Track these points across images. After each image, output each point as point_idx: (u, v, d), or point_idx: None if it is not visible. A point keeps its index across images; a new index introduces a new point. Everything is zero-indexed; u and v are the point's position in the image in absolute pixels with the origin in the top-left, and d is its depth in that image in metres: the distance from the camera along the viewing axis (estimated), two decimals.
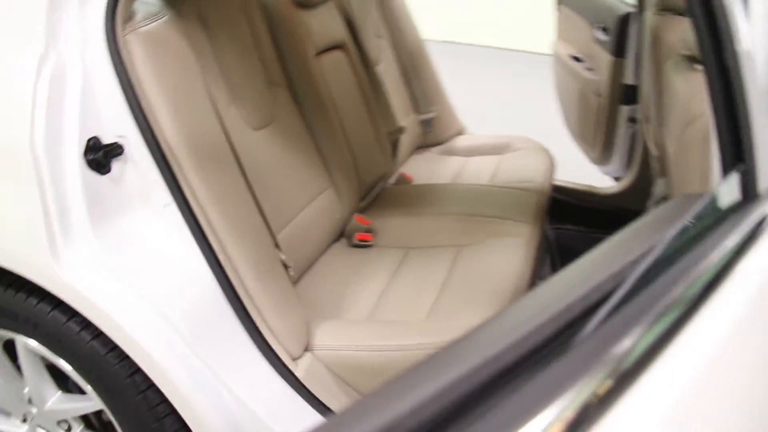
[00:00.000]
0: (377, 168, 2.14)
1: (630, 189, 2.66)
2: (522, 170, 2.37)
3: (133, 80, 1.21)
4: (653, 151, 2.16)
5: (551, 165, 2.48)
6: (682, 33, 1.67)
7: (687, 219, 0.81)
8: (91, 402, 1.40)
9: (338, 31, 2.20)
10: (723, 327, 0.74)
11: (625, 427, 0.59)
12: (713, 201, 0.87)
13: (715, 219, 0.87)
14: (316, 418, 1.32)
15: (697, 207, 0.83)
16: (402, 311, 1.54)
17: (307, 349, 1.41)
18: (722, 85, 0.85)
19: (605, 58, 2.67)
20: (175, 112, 1.26)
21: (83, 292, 1.19)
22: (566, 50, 3.07)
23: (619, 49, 2.61)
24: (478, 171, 2.40)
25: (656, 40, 1.91)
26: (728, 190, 0.86)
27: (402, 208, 1.99)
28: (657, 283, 0.74)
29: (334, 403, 1.35)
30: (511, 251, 1.78)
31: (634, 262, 0.72)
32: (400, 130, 2.52)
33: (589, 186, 2.80)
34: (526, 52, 6.23)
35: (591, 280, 0.72)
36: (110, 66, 1.20)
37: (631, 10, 2.60)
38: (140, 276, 1.22)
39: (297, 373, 1.34)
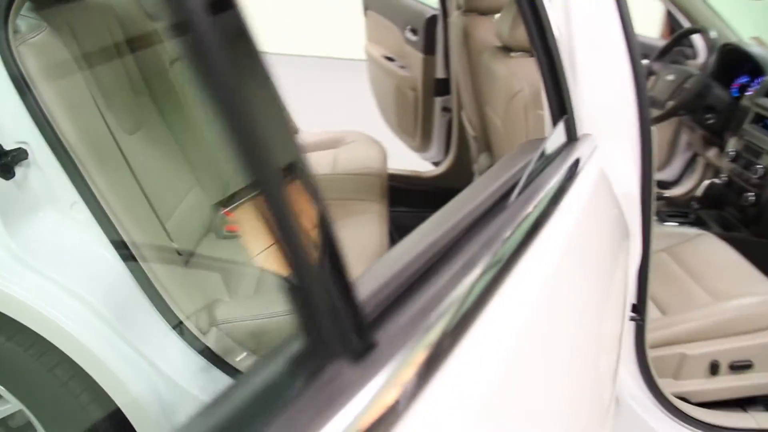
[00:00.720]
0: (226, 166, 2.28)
1: (451, 170, 3.04)
2: (359, 159, 2.62)
3: (32, 89, 1.28)
4: (471, 132, 2.52)
5: (384, 154, 2.76)
6: (491, 29, 2.03)
7: (527, 161, 1.07)
8: (8, 405, 1.42)
9: None
10: (548, 261, 0.86)
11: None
12: (544, 146, 1.15)
13: (546, 161, 1.15)
14: (228, 380, 1.48)
15: (534, 152, 1.10)
16: None
17: (211, 324, 1.55)
18: (547, 60, 1.15)
19: (417, 56, 3.02)
20: (72, 117, 1.33)
21: (5, 290, 1.24)
22: (378, 51, 3.39)
23: (428, 48, 2.97)
24: (318, 164, 2.62)
25: (466, 37, 2.25)
26: (557, 137, 1.16)
27: None
28: (496, 223, 0.85)
29: (243, 366, 1.52)
30: (370, 226, 2.02)
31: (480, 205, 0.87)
32: None
33: (415, 171, 3.14)
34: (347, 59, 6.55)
35: (439, 230, 0.79)
36: (7, 77, 1.26)
37: (435, 12, 2.97)
38: (58, 269, 1.29)
39: (209, 345, 1.48)
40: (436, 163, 3.31)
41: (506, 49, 1.63)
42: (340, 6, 5.79)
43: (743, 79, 2.26)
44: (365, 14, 3.52)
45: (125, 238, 1.37)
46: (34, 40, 1.34)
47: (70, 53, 1.46)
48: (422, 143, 3.20)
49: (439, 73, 3.02)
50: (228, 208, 2.10)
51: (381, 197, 2.30)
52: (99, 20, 1.71)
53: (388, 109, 3.46)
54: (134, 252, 1.39)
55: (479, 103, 2.25)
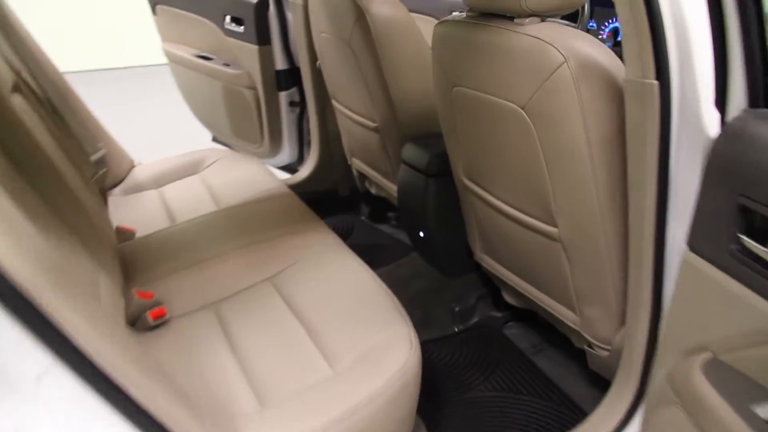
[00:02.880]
0: (102, 224, 1.71)
1: (319, 170, 2.67)
2: (242, 178, 2.16)
3: None
4: (351, 122, 2.18)
5: (262, 165, 2.31)
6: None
7: None
8: None
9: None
10: None
11: None
12: None
13: None
14: None
15: None
16: (285, 370, 1.29)
17: None
18: None
19: (249, 49, 2.58)
20: None
21: None
22: (186, 52, 2.87)
23: (263, 37, 2.55)
24: (192, 196, 2.10)
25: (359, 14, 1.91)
26: None
27: (170, 264, 1.63)
28: None
29: None
30: (335, 255, 1.63)
31: None
32: (102, 171, 2.10)
33: (284, 180, 2.71)
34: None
35: None
36: None
37: None
38: None
39: None
40: (287, 168, 2.91)
41: (497, 17, 1.34)
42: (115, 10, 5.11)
43: None
44: (154, 12, 2.95)
45: None
46: None
47: None
48: (271, 147, 2.78)
49: (279, 65, 2.61)
50: (137, 287, 1.56)
51: (312, 213, 1.89)
52: None
53: (217, 115, 2.96)
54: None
55: (383, 88, 1.92)
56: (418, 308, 2.00)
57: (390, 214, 2.71)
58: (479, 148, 1.52)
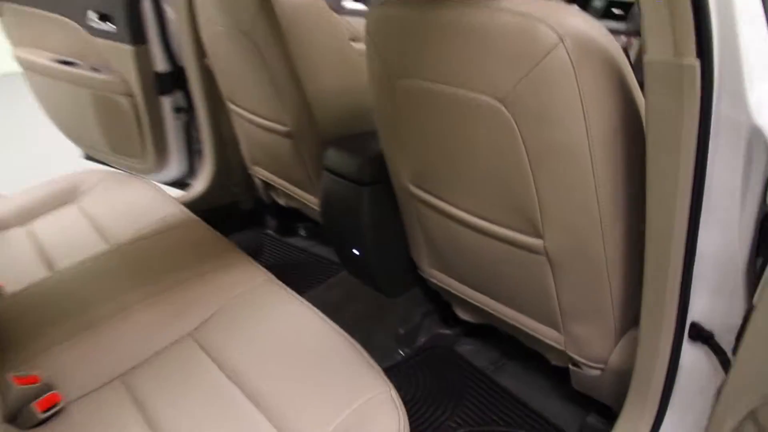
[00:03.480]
0: None
1: (215, 182, 2.34)
2: (131, 204, 1.79)
3: None
4: (257, 128, 1.88)
5: (151, 184, 1.95)
6: None
7: None
8: None
9: None
10: None
11: None
12: None
13: None
14: None
15: None
16: None
17: None
18: None
19: (121, 50, 2.21)
20: None
21: None
22: (43, 57, 2.44)
23: (137, 36, 2.18)
24: (71, 233, 1.71)
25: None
26: None
27: (56, 330, 1.26)
28: None
29: None
30: (268, 294, 1.32)
31: None
32: None
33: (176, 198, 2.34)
34: None
35: None
36: None
37: None
38: None
39: None
40: (176, 183, 2.55)
41: None
42: None
43: None
44: None
45: None
46: None
47: None
48: (157, 161, 2.42)
49: (159, 66, 2.25)
50: (11, 371, 1.21)
51: (221, 238, 1.58)
52: None
53: (86, 129, 2.55)
54: None
55: (295, 86, 1.64)
56: (357, 336, 1.74)
57: (300, 225, 2.42)
58: (434, 151, 1.28)
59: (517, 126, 1.06)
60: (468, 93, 1.10)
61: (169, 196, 1.83)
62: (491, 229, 1.26)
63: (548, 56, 0.96)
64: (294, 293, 1.33)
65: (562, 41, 0.94)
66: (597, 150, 1.01)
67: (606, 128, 1.00)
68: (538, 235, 1.17)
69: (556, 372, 1.60)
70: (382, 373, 1.11)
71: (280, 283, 1.37)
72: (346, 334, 1.20)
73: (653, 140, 0.93)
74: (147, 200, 1.80)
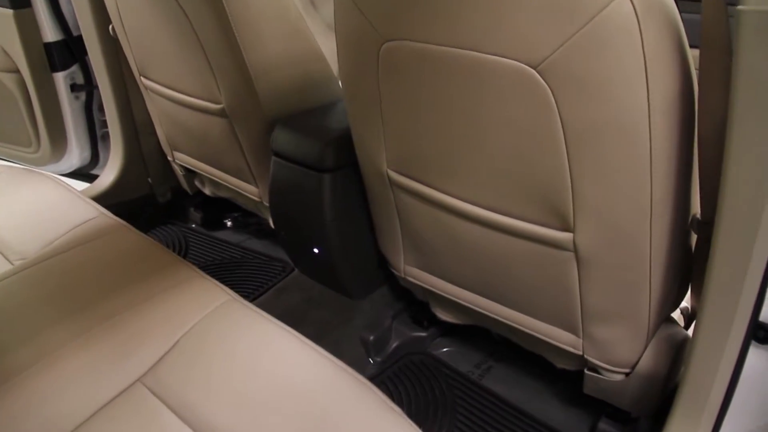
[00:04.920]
0: None
1: (126, 172, 2.00)
2: (33, 206, 1.44)
3: None
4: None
5: (54, 179, 1.60)
6: None
7: None
8: None
9: None
10: None
11: None
12: None
13: None
14: None
15: None
16: None
17: None
18: None
19: None
20: None
21: None
22: None
23: None
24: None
25: None
26: None
27: None
28: None
29: None
30: (233, 318, 1.05)
31: None
32: None
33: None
34: None
35: None
36: None
37: None
38: None
39: None
40: (78, 174, 2.19)
41: None
42: None
43: None
44: None
45: None
46: None
47: None
48: (53, 150, 2.05)
49: (49, 36, 1.88)
50: None
51: (156, 249, 1.28)
52: None
53: None
54: None
55: (233, 57, 1.35)
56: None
57: (227, 216, 2.13)
58: (428, 130, 1.05)
59: (555, 99, 0.84)
60: (485, 57, 0.87)
61: (79, 193, 1.50)
62: (503, 222, 1.05)
63: (607, 9, 0.75)
64: (263, 313, 1.07)
65: None
66: (657, 122, 0.82)
67: (668, 95, 0.81)
68: (567, 229, 0.97)
69: (548, 373, 1.43)
70: (404, 417, 0.88)
71: (246, 302, 1.10)
72: (345, 366, 0.96)
73: (742, 106, 0.74)
74: (53, 200, 1.46)
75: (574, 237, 0.97)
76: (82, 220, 1.36)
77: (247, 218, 2.07)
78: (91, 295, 1.12)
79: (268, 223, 1.65)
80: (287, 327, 1.03)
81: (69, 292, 1.14)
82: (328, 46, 2.48)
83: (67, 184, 1.53)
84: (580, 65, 0.80)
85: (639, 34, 0.76)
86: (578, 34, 0.78)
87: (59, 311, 1.09)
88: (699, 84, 0.84)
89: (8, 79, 1.91)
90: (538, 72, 0.84)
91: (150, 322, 1.05)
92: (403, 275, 1.39)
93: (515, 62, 0.85)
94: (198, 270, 1.19)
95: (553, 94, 0.84)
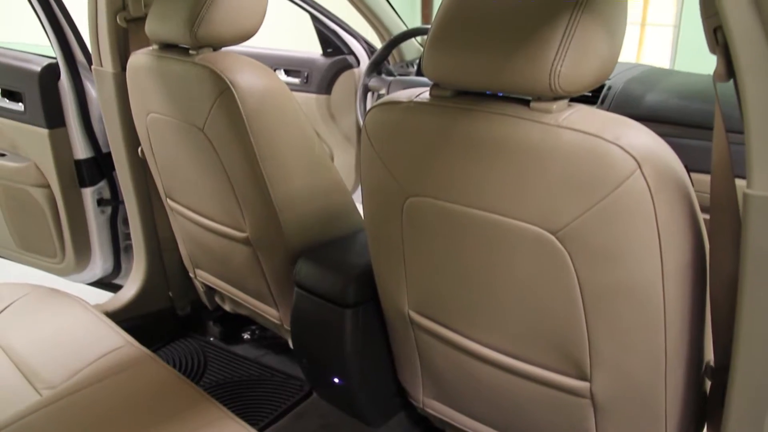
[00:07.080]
0: None
1: (148, 285, 2.01)
2: (68, 332, 1.43)
3: None
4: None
5: (87, 307, 1.61)
6: None
7: None
8: None
9: None
10: None
11: None
12: None
13: None
14: None
15: None
16: None
17: None
18: None
19: (34, 133, 1.89)
20: None
21: None
22: None
23: (52, 119, 1.88)
24: None
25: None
26: None
27: None
28: None
29: None
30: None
31: None
32: None
33: (99, 306, 1.99)
34: None
35: None
36: None
37: (52, 60, 1.87)
38: None
39: None
40: (97, 283, 2.21)
41: None
42: None
43: None
44: None
45: None
46: None
47: None
48: (77, 261, 2.08)
49: (79, 153, 1.95)
50: None
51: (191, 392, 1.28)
52: None
53: None
54: None
55: (259, 189, 1.39)
56: None
57: (245, 329, 2.12)
58: (448, 278, 1.06)
59: (573, 263, 0.86)
60: (507, 221, 0.90)
61: (106, 318, 1.50)
62: (521, 368, 1.05)
63: (624, 184, 0.77)
64: None
65: (640, 167, 0.76)
66: (670, 288, 0.84)
67: (680, 262, 0.84)
68: (584, 378, 0.98)
69: None
70: None
71: None
72: None
73: (753, 280, 0.75)
74: (79, 326, 1.47)
75: (591, 386, 0.98)
76: (108, 349, 1.37)
77: (264, 332, 2.07)
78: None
79: (286, 340, 1.65)
80: None
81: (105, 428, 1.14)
82: (345, 159, 2.55)
83: (92, 308, 1.54)
84: (598, 234, 0.82)
85: (652, 207, 0.78)
86: (596, 207, 0.80)
87: None
88: (710, 247, 0.86)
89: (38, 194, 1.96)
90: (557, 238, 0.86)
91: None
92: (422, 407, 1.37)
93: (536, 228, 0.87)
94: (225, 409, 1.18)
95: (571, 259, 0.86)
